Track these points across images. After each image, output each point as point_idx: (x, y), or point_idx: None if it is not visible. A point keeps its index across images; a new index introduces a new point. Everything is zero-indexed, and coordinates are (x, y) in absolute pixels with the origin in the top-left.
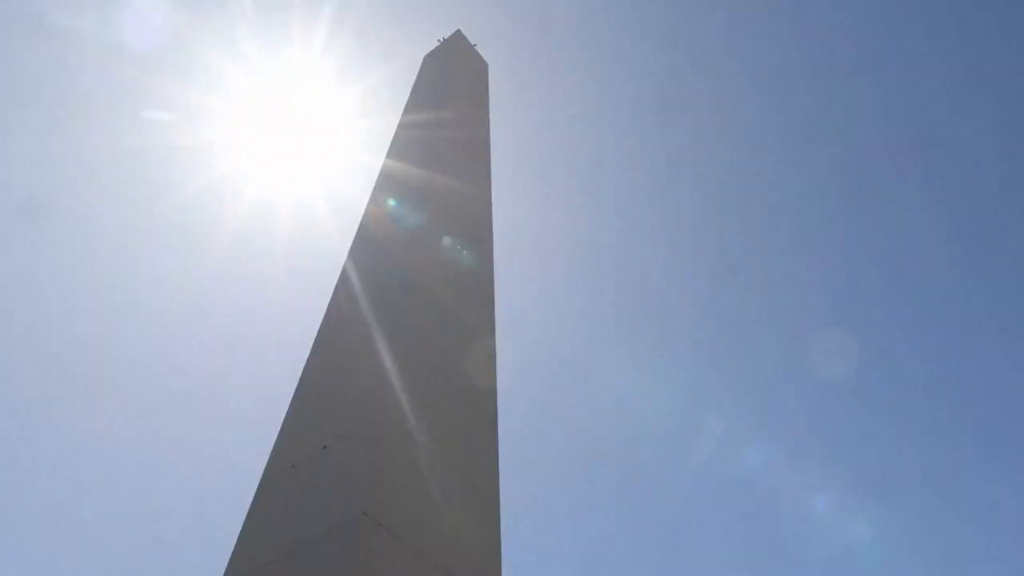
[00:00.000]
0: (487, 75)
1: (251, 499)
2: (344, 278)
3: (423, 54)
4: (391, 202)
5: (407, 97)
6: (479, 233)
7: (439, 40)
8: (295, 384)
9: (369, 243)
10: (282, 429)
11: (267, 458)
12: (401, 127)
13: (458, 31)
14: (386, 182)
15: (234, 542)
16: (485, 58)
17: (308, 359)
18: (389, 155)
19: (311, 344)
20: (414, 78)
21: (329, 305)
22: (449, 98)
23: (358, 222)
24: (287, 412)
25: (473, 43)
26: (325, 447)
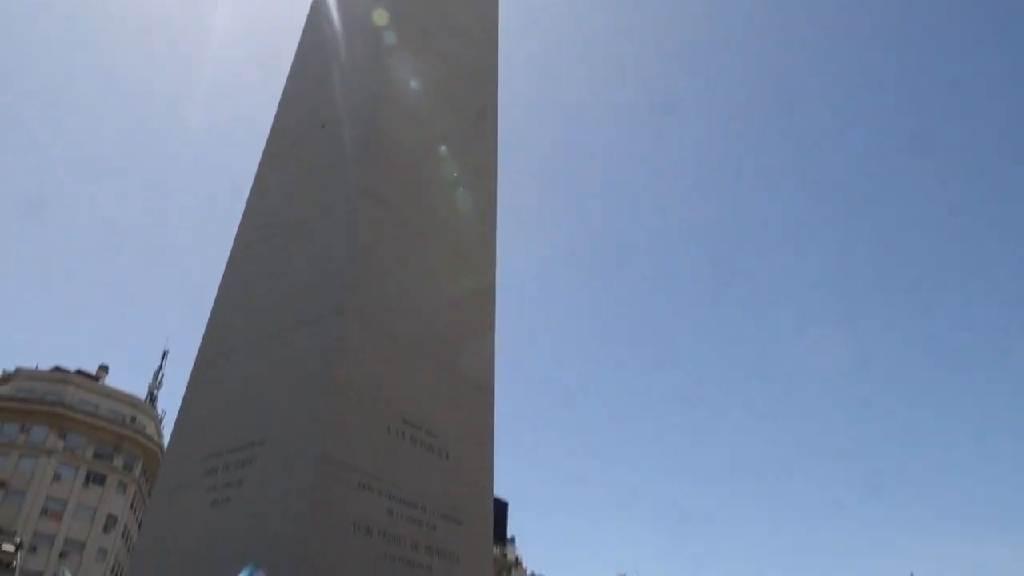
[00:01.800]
0: None
1: (253, 176)
2: None
3: None
4: None
5: None
6: None
7: None
8: (289, 63)
9: None
10: (279, 108)
11: (266, 136)
12: None
13: None
14: None
15: (239, 219)
16: None
17: (301, 39)
18: None
19: (303, 22)
20: None
21: None
22: None
23: None
24: (283, 91)
25: None
26: (323, 126)
